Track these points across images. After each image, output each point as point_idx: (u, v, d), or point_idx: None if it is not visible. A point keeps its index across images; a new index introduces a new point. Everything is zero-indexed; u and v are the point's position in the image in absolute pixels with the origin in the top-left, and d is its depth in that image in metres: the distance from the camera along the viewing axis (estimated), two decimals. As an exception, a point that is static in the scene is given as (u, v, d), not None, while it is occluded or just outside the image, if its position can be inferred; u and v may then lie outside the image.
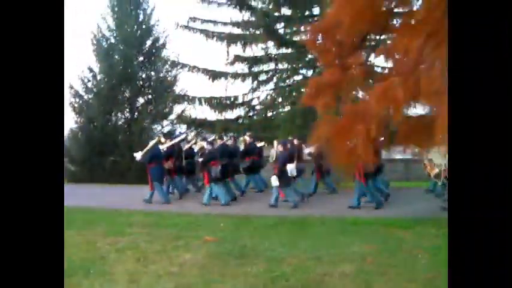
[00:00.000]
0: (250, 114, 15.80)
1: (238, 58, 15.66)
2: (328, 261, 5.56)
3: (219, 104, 15.41)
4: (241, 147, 12.47)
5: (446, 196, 8.81)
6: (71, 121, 18.82)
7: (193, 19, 15.93)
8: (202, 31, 15.86)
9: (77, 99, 19.00)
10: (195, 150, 11.83)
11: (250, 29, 15.51)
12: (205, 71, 15.55)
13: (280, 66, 16.00)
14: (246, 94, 15.74)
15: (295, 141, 11.14)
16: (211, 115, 16.18)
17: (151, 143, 11.27)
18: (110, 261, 5.67)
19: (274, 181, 9.85)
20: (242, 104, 15.73)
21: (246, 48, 15.53)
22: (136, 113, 19.41)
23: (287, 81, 15.71)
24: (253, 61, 15.75)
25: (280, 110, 15.31)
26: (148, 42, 19.99)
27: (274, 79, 15.72)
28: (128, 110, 19.52)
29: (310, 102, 5.25)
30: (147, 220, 8.61)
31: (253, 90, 15.84)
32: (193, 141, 12.36)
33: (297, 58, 14.77)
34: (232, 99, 15.60)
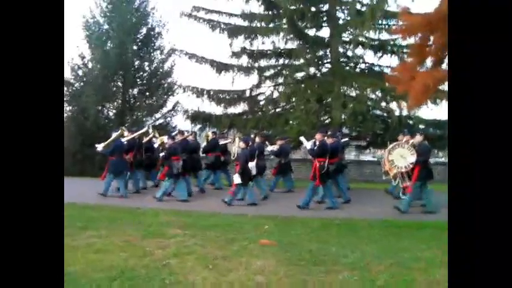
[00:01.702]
0: (256, 109, 15.20)
1: (244, 51, 15.10)
2: (418, 268, 5.20)
3: (226, 98, 14.77)
4: (204, 143, 12.45)
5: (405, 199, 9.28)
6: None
7: (197, 9, 15.21)
8: (207, 21, 15.14)
9: (67, 88, 17.85)
10: (155, 145, 11.52)
11: (258, 22, 14.98)
12: (212, 62, 14.87)
13: (281, 61, 15.61)
14: (252, 89, 15.17)
15: (257, 139, 11.28)
16: (212, 109, 15.55)
17: (114, 135, 10.98)
18: (177, 269, 5.04)
19: (237, 179, 9.73)
20: (249, 98, 15.15)
21: (252, 42, 15.00)
22: (128, 105, 18.45)
23: (289, 78, 15.28)
24: (260, 55, 15.24)
25: (287, 106, 14.87)
26: (144, 31, 19.01)
27: (282, 74, 15.24)
28: (120, 100, 18.51)
29: (420, 98, 4.92)
30: (180, 220, 8.00)
31: (258, 85, 15.33)
32: (152, 135, 11.99)
33: (305, 54, 14.39)
34: (240, 93, 15.00)
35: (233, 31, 15.14)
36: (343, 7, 14.89)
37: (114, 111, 18.76)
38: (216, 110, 15.35)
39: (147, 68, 19.03)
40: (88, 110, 17.24)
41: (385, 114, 13.97)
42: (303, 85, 13.91)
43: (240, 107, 15.31)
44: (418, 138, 9.17)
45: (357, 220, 8.20)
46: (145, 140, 11.79)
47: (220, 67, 14.84)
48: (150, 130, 12.24)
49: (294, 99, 14.02)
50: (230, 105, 15.01)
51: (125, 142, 11.02)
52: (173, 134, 11.55)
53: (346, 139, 12.28)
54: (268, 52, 15.18)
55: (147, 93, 18.62)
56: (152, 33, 19.09)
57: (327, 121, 14.57)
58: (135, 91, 18.96)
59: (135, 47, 18.63)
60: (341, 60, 14.57)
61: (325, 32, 15.13)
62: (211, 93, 14.72)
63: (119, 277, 4.67)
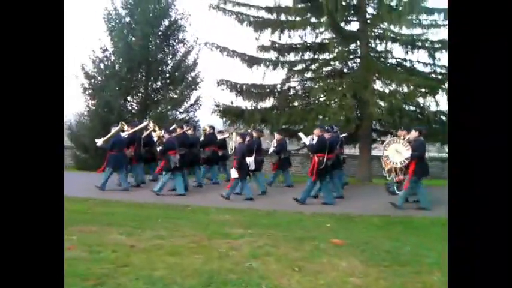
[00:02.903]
0: (285, 104, 14.97)
1: (273, 45, 14.91)
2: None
3: (258, 92, 14.57)
4: (202, 137, 12.48)
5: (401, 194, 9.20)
6: (82, 104, 17.54)
7: (225, 1, 14.96)
8: (235, 13, 14.88)
9: (89, 81, 17.67)
10: (154, 139, 11.53)
11: (286, 15, 14.78)
12: (244, 56, 14.66)
13: (307, 56, 15.40)
14: (283, 83, 14.99)
15: (255, 134, 11.32)
16: (243, 104, 15.27)
17: (114, 129, 11.08)
18: (264, 272, 4.91)
19: (234, 173, 9.91)
20: (280, 92, 14.95)
21: (280, 35, 14.80)
22: (150, 99, 18.29)
23: (318, 72, 15.13)
24: (288, 49, 15.05)
25: (317, 101, 14.65)
26: (166, 23, 18.75)
27: (311, 69, 15.08)
28: (143, 94, 18.31)
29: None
30: (236, 219, 7.90)
31: (287, 79, 15.14)
32: (151, 129, 11.98)
33: (336, 48, 14.18)
34: (271, 87, 14.80)
35: (260, 24, 14.91)
36: (371, 1, 14.74)
37: (137, 105, 18.52)
38: (246, 104, 15.10)
39: (170, 61, 18.80)
40: (111, 104, 17.06)
41: (417, 110, 13.81)
42: (333, 80, 13.70)
43: (270, 102, 15.09)
44: (414, 133, 9.12)
45: (418, 217, 8.11)
46: (145, 134, 11.96)
47: (252, 61, 14.63)
48: (151, 124, 12.22)
49: (325, 94, 13.84)
50: (261, 99, 14.80)
51: (125, 136, 11.28)
52: (171, 128, 11.49)
53: (345, 134, 12.28)
54: (298, 46, 14.96)
55: (171, 87, 18.37)
56: (175, 25, 18.82)
57: (359, 116, 14.36)
58: (158, 84, 18.74)
59: (157, 40, 18.36)
60: (371, 55, 14.39)
61: (352, 26, 14.99)
62: (244, 87, 14.52)
63: (211, 283, 4.51)
